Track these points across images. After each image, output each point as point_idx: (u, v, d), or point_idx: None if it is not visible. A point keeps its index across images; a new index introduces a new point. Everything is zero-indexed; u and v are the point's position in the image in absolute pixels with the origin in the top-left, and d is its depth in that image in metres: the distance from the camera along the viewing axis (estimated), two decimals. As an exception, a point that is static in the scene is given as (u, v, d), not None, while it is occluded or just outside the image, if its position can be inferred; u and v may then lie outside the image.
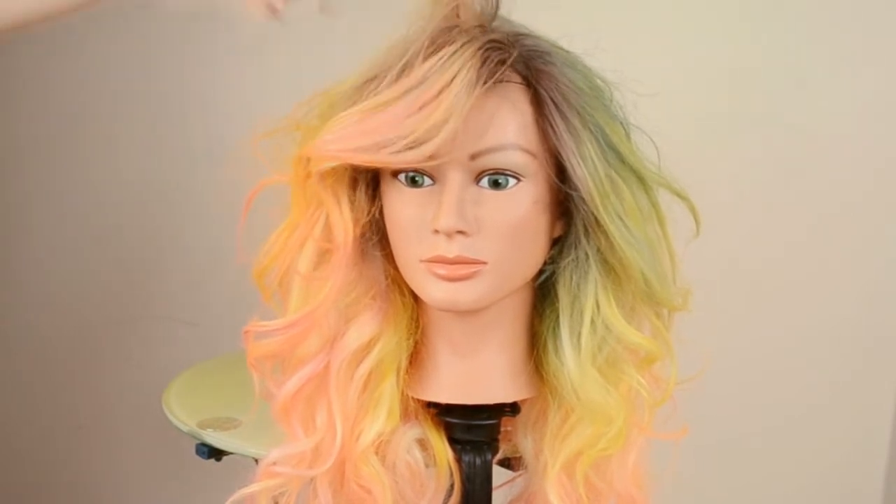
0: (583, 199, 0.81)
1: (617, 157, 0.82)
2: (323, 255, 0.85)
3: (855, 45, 1.69)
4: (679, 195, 0.87)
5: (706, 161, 1.66)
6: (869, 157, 1.73)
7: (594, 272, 0.85)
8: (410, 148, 0.77)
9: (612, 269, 0.84)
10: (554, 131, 0.81)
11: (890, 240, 1.76)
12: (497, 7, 0.84)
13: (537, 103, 0.82)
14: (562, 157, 0.81)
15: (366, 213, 0.86)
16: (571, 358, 0.86)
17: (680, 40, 1.72)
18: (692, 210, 0.88)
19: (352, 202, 0.85)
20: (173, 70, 1.92)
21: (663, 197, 0.87)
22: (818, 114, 1.71)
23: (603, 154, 0.81)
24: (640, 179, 0.83)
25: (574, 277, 0.85)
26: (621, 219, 0.81)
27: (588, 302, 0.85)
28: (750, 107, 1.72)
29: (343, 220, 0.84)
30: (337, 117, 0.80)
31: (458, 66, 0.77)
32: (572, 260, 0.85)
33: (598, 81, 0.85)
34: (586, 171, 0.80)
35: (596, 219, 0.82)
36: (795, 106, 1.72)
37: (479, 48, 0.79)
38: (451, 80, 0.76)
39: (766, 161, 1.74)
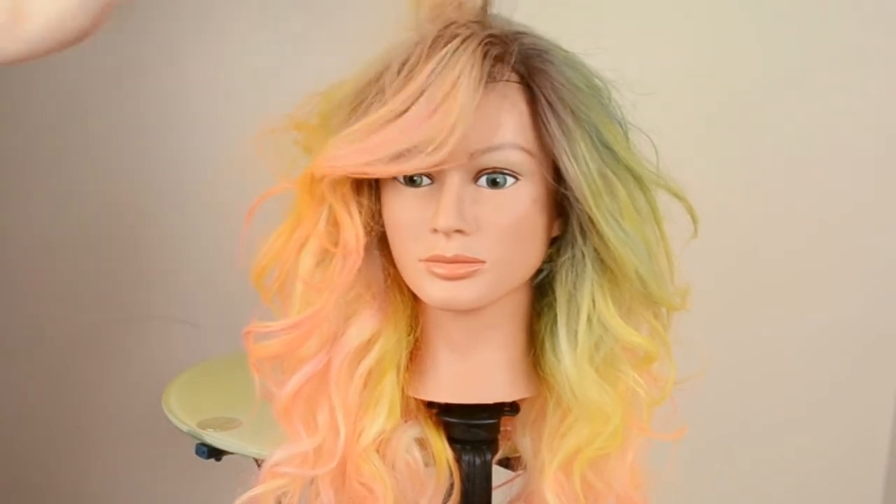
0: (576, 199, 0.82)
1: (612, 156, 0.82)
2: (324, 255, 0.86)
3: (855, 44, 1.69)
4: (676, 195, 0.87)
5: (707, 161, 1.66)
6: (870, 156, 1.73)
7: (590, 271, 0.85)
8: (434, 151, 0.77)
9: (608, 268, 0.84)
10: (547, 130, 0.81)
11: (890, 239, 1.76)
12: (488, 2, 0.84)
13: (533, 101, 0.82)
14: (555, 155, 0.81)
15: (373, 215, 0.87)
16: (568, 357, 0.86)
17: (679, 40, 1.72)
18: (689, 210, 0.88)
19: (360, 207, 0.85)
20: (174, 70, 1.92)
21: (663, 197, 0.87)
22: (818, 114, 1.71)
23: (597, 153, 0.81)
24: (637, 179, 0.83)
25: (570, 276, 0.86)
26: (615, 218, 0.81)
27: (584, 301, 0.85)
28: (751, 107, 1.72)
29: (354, 226, 0.84)
30: (345, 133, 0.80)
31: (462, 63, 0.77)
32: (569, 259, 0.85)
33: (597, 80, 0.85)
34: (578, 169, 0.80)
35: (590, 218, 0.82)
36: (796, 106, 1.72)
37: (480, 43, 0.79)
38: (458, 79, 0.77)
39: (767, 160, 1.74)
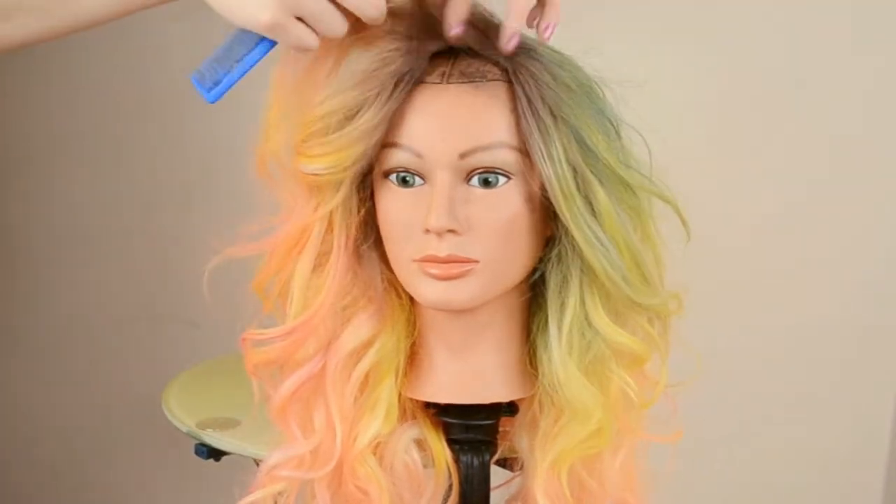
0: (551, 199, 0.81)
1: (594, 158, 0.81)
2: (321, 259, 0.86)
3: (855, 43, 1.69)
4: (665, 199, 0.86)
5: (706, 160, 1.66)
6: (871, 152, 1.73)
7: (577, 271, 0.84)
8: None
9: (592, 269, 0.84)
10: (523, 129, 0.81)
11: (889, 238, 1.76)
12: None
13: (515, 100, 0.82)
14: (531, 154, 0.81)
15: (368, 217, 0.87)
16: (558, 357, 0.86)
17: (678, 40, 1.72)
18: (679, 214, 0.87)
19: (355, 208, 0.86)
20: (180, 70, 1.92)
21: (658, 199, 0.86)
22: (817, 113, 1.72)
23: (576, 154, 0.80)
24: (622, 182, 0.82)
25: (559, 276, 0.85)
26: (587, 222, 0.81)
27: (571, 300, 0.85)
28: (749, 106, 1.72)
29: (338, 223, 0.85)
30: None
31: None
32: (559, 259, 0.85)
33: (586, 80, 0.84)
34: (552, 170, 0.80)
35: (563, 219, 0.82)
36: (795, 105, 1.72)
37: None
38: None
39: (767, 159, 1.74)
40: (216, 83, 0.80)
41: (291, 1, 0.75)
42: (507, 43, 0.81)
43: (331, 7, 0.76)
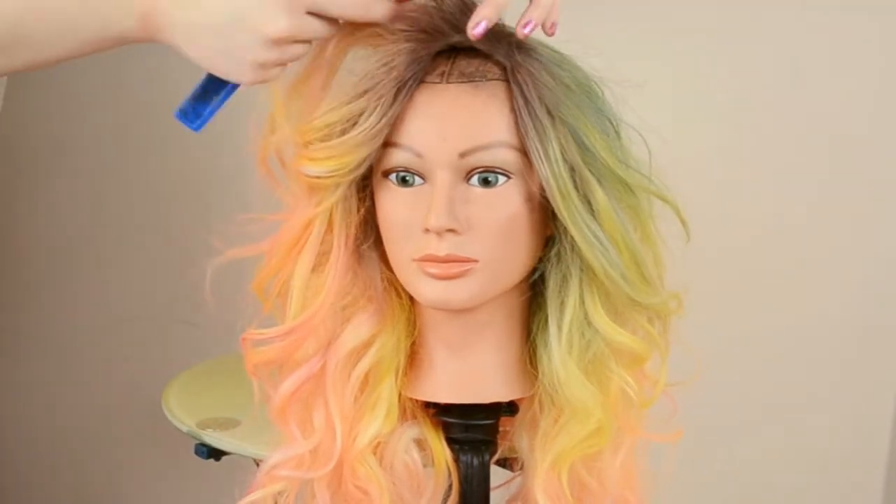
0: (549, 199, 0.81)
1: (593, 158, 0.81)
2: (320, 260, 0.86)
3: (853, 42, 1.69)
4: (664, 199, 0.86)
5: (706, 159, 1.66)
6: (869, 153, 1.73)
7: (577, 270, 0.84)
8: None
9: (591, 268, 0.84)
10: (520, 128, 0.81)
11: (889, 238, 1.76)
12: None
13: (513, 100, 0.82)
14: (528, 154, 0.81)
15: (367, 217, 0.87)
16: (557, 356, 0.86)
17: (678, 39, 1.72)
18: (678, 214, 0.87)
19: (355, 208, 0.86)
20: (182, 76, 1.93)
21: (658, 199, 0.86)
22: (816, 112, 1.72)
23: (574, 154, 0.80)
24: (621, 182, 0.82)
25: (559, 276, 0.86)
26: (586, 221, 0.81)
27: (570, 299, 0.85)
28: (749, 106, 1.72)
29: (338, 223, 0.85)
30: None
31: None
32: (558, 258, 0.85)
33: (585, 80, 0.84)
34: (549, 170, 0.80)
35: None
36: (794, 104, 1.72)
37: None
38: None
39: (767, 158, 1.74)
40: (198, 115, 0.83)
41: (272, 59, 0.78)
42: (474, 28, 0.80)
43: (301, 51, 0.80)
